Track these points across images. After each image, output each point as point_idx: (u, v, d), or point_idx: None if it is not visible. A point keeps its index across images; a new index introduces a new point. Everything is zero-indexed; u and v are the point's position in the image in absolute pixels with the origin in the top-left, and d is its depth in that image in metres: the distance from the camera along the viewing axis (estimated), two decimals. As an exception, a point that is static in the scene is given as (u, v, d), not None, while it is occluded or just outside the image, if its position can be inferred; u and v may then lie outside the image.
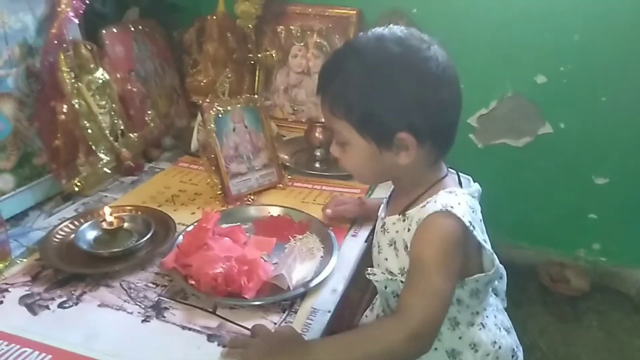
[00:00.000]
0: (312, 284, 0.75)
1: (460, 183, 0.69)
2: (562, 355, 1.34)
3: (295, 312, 0.72)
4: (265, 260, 0.80)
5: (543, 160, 1.45)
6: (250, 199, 1.04)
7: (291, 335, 0.64)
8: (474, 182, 0.71)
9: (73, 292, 0.75)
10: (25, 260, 0.82)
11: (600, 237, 1.51)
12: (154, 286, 0.77)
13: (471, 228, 0.60)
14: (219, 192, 1.04)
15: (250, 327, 0.67)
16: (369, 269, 0.72)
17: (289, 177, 1.11)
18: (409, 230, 0.63)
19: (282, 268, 0.76)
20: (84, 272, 0.78)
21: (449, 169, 0.70)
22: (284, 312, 0.72)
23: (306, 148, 1.26)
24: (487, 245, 0.64)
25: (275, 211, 0.95)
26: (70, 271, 0.78)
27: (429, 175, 0.67)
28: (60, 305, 0.72)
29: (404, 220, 0.66)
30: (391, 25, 0.65)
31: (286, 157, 1.20)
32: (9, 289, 0.75)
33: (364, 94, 0.62)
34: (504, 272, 0.72)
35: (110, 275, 0.78)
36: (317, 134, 1.22)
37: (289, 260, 0.78)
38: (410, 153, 0.63)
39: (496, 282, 0.72)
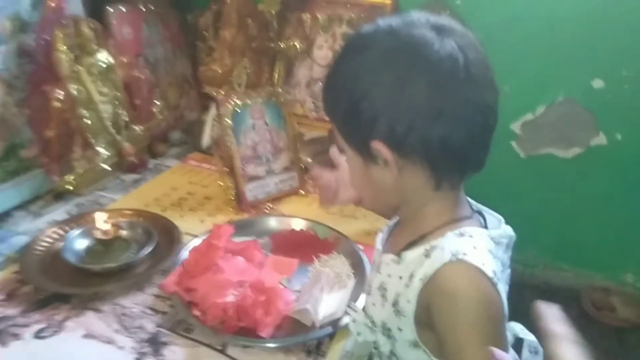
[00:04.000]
0: (343, 322, 0.62)
1: (485, 226, 0.53)
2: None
3: (323, 356, 0.59)
4: (284, 287, 0.67)
5: (593, 174, 1.30)
6: (267, 207, 0.91)
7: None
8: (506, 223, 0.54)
9: (54, 316, 0.62)
10: (1, 272, 0.70)
11: (653, 263, 1.35)
12: (152, 313, 0.64)
13: (495, 280, 0.45)
14: (231, 197, 0.91)
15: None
16: (352, 303, 0.61)
17: (311, 182, 0.98)
18: (406, 285, 0.49)
19: (307, 300, 0.63)
20: (69, 292, 0.65)
21: (478, 211, 0.55)
22: (308, 355, 0.59)
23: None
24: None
25: (297, 224, 0.82)
26: (52, 290, 0.65)
27: (438, 210, 0.52)
28: (37, 335, 0.60)
29: (398, 263, 0.52)
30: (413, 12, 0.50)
31: (308, 159, 1.06)
32: (-22, 309, 0.63)
33: (345, 90, 0.50)
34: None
35: (100, 297, 0.66)
36: (343, 135, 1.09)
37: (314, 291, 0.65)
38: (392, 170, 0.49)
39: None
